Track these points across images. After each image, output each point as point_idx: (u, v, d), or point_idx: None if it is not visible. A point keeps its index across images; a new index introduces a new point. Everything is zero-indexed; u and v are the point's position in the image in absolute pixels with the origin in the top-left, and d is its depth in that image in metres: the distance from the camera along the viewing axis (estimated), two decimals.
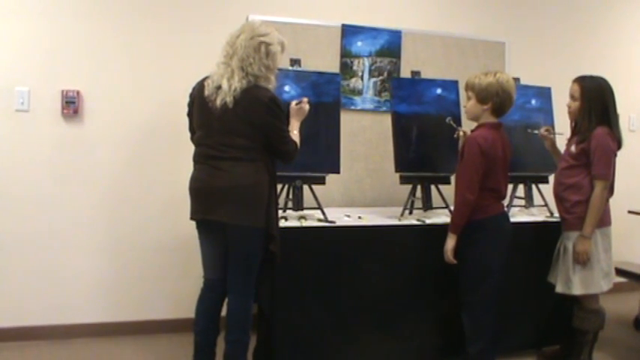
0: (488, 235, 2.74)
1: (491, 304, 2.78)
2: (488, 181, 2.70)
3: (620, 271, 3.65)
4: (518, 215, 3.31)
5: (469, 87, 2.78)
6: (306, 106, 2.69)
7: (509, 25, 4.16)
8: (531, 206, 3.39)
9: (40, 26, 3.21)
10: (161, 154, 3.42)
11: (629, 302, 4.04)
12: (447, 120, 3.12)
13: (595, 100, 2.84)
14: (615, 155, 2.83)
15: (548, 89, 3.54)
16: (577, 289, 2.84)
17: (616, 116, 2.86)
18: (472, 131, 2.83)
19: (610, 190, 2.88)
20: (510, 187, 3.40)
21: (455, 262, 2.74)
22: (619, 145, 2.86)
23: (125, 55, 3.35)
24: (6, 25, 3.17)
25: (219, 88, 2.40)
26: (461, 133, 3.00)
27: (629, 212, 3.87)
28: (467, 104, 2.81)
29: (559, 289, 2.90)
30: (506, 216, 2.86)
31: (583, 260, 2.80)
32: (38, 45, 3.22)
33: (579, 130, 2.90)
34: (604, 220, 2.85)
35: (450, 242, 2.73)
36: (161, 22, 3.40)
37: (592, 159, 2.79)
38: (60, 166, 3.27)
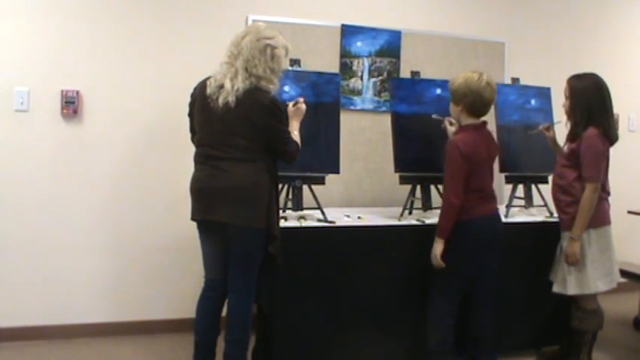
0: (464, 239, 2.72)
1: (454, 302, 2.77)
2: (471, 183, 2.70)
3: (619, 271, 3.64)
4: (518, 215, 3.31)
5: (449, 89, 2.81)
6: (303, 106, 2.70)
7: (509, 25, 4.16)
8: (531, 206, 3.38)
9: (39, 26, 3.22)
10: (161, 154, 3.42)
11: (629, 302, 4.04)
12: (433, 116, 3.09)
13: (581, 99, 2.84)
14: (606, 154, 2.82)
15: (548, 89, 3.54)
16: (572, 289, 2.85)
17: (606, 113, 2.83)
18: (455, 134, 2.84)
19: (603, 189, 2.86)
20: (510, 187, 3.42)
21: (444, 265, 2.72)
22: (612, 141, 2.85)
23: (125, 55, 3.35)
24: (6, 25, 3.18)
25: (221, 87, 2.41)
26: (447, 123, 2.97)
27: (629, 212, 3.87)
28: (450, 105, 2.85)
29: (555, 288, 2.92)
30: (490, 217, 2.80)
31: (572, 262, 2.80)
32: (38, 45, 3.22)
33: (569, 129, 2.92)
34: (600, 220, 2.84)
35: (438, 247, 2.73)
36: (161, 22, 3.41)
37: (582, 161, 2.79)
38: (60, 166, 3.27)
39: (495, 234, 2.81)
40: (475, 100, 2.72)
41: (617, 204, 3.87)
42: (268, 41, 2.44)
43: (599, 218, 2.84)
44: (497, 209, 2.86)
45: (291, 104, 2.70)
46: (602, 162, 2.80)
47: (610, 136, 2.83)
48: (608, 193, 2.93)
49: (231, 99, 2.37)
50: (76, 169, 3.30)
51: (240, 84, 2.38)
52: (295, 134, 2.62)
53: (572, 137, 2.89)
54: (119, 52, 3.34)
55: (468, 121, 2.77)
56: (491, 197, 2.83)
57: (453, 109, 2.82)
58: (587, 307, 2.91)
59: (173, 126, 3.30)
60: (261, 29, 2.47)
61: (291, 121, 2.65)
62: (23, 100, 3.20)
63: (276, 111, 2.44)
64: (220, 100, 2.39)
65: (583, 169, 2.79)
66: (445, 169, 2.74)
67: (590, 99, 2.82)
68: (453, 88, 2.77)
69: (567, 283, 2.85)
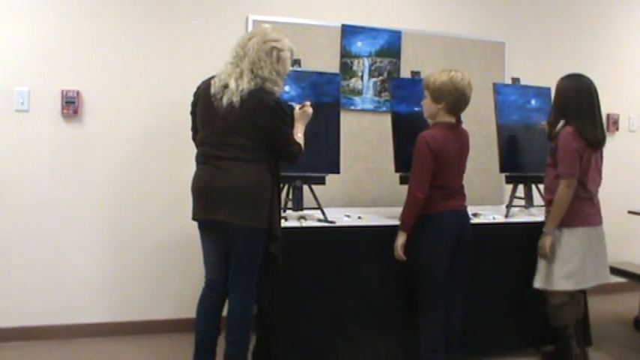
0: (430, 233, 2.72)
1: (438, 303, 2.75)
2: (437, 179, 2.70)
3: (619, 271, 3.65)
4: (518, 215, 3.32)
5: (425, 85, 2.80)
6: (310, 110, 2.71)
7: (509, 25, 4.16)
8: (531, 206, 3.39)
9: (40, 26, 3.22)
10: (161, 153, 3.42)
11: (629, 302, 4.04)
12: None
13: (558, 98, 2.91)
14: (581, 153, 2.81)
15: (548, 89, 3.53)
16: (538, 283, 2.91)
17: (581, 113, 2.82)
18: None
19: (584, 189, 2.85)
20: (510, 187, 3.42)
21: (405, 258, 2.74)
22: (590, 143, 2.83)
23: (125, 55, 3.35)
24: (6, 25, 3.17)
25: (226, 87, 2.42)
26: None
27: (629, 212, 3.86)
28: (423, 103, 2.83)
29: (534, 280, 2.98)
30: (454, 211, 2.78)
31: (542, 255, 2.86)
32: (38, 45, 3.22)
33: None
34: (574, 220, 2.84)
35: (400, 239, 2.73)
36: (161, 22, 3.41)
37: (557, 159, 2.84)
38: (60, 166, 3.27)
39: (463, 230, 2.79)
40: (459, 99, 2.73)
41: (617, 204, 3.88)
42: (275, 44, 2.46)
43: (573, 218, 2.84)
44: (464, 206, 2.84)
45: (297, 107, 2.71)
46: (576, 159, 2.80)
47: (585, 136, 2.81)
48: (592, 194, 2.92)
49: (236, 99, 2.38)
50: (76, 169, 3.30)
51: (246, 85, 2.39)
52: (300, 136, 2.63)
53: (550, 136, 2.95)
54: (119, 52, 3.34)
55: (445, 118, 2.76)
56: (457, 194, 2.82)
57: (430, 106, 2.78)
58: (553, 302, 2.94)
59: (173, 126, 3.31)
60: (267, 31, 2.49)
61: (296, 124, 2.66)
62: (23, 100, 3.20)
63: (280, 112, 2.45)
64: (224, 100, 2.40)
65: (558, 166, 2.84)
66: (412, 163, 2.73)
67: (566, 99, 2.86)
68: (434, 86, 2.73)
69: (535, 276, 2.92)
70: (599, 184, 2.96)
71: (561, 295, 2.91)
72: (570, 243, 2.86)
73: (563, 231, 2.85)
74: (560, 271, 2.85)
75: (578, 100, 2.84)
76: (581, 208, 2.86)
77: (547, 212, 2.93)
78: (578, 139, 2.81)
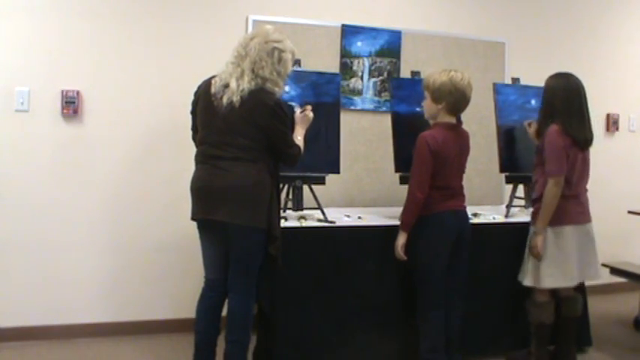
0: (430, 233, 2.73)
1: (437, 303, 2.76)
2: (436, 180, 2.71)
3: (619, 271, 3.65)
4: (518, 215, 3.32)
5: (424, 86, 2.80)
6: (310, 114, 2.72)
7: (509, 25, 4.16)
8: (531, 206, 3.38)
9: (40, 26, 3.22)
10: (161, 153, 3.42)
11: (629, 302, 4.04)
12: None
13: (546, 96, 2.92)
14: (568, 152, 2.80)
15: None
16: (527, 281, 2.91)
17: (569, 112, 2.83)
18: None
19: (569, 188, 2.85)
20: (510, 187, 3.42)
21: (405, 258, 2.75)
22: (578, 142, 2.83)
23: (125, 55, 3.35)
24: (6, 25, 3.17)
25: (226, 86, 2.43)
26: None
27: (629, 212, 3.87)
28: (423, 103, 2.83)
29: (519, 276, 2.98)
30: (454, 211, 2.80)
31: (534, 254, 2.86)
32: (38, 45, 3.22)
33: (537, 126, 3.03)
34: (557, 219, 2.84)
35: (401, 239, 2.74)
36: (161, 22, 3.41)
37: (544, 157, 2.84)
38: (60, 166, 3.27)
39: (462, 230, 2.80)
40: (459, 99, 2.74)
41: (617, 204, 3.89)
42: (276, 44, 2.46)
43: (556, 217, 2.84)
44: (464, 207, 2.86)
45: (298, 111, 2.72)
46: (562, 157, 2.80)
47: (571, 134, 2.81)
48: (578, 193, 2.92)
49: (236, 99, 2.39)
50: (76, 169, 3.30)
51: (246, 84, 2.40)
52: (299, 139, 2.64)
53: (537, 135, 2.97)
54: (119, 52, 3.34)
55: (445, 119, 2.77)
56: (457, 194, 2.83)
57: (430, 106, 2.79)
58: (536, 300, 2.95)
59: (173, 126, 3.31)
60: (269, 32, 2.50)
61: (297, 127, 2.67)
62: (23, 100, 3.20)
63: (280, 112, 2.46)
64: (225, 100, 2.41)
65: (545, 165, 2.84)
66: (412, 163, 2.74)
67: (553, 97, 2.87)
68: (434, 86, 2.74)
69: (525, 275, 2.92)
70: (586, 182, 2.97)
71: (545, 294, 2.93)
72: (556, 241, 2.86)
73: (548, 230, 2.85)
74: (547, 270, 2.85)
75: (566, 99, 2.84)
76: (566, 207, 2.86)
77: (534, 211, 2.93)
78: (564, 137, 2.81)
